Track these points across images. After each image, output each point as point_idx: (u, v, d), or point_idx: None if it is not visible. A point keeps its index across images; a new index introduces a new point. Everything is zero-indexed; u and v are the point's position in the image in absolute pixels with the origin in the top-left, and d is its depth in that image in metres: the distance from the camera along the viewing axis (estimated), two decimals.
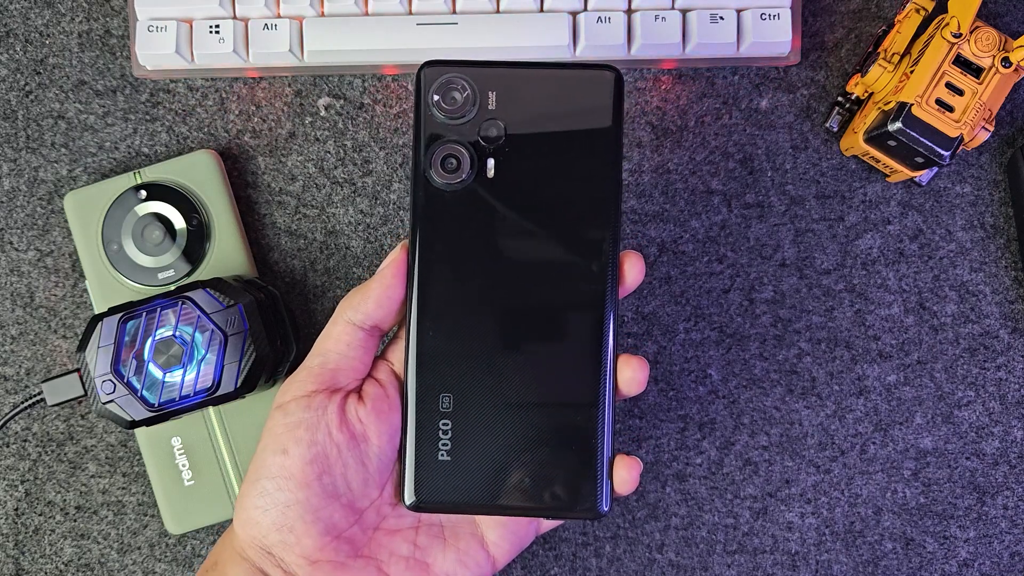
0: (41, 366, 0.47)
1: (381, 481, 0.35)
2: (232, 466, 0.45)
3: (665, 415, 0.47)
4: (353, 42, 0.45)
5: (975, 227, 0.48)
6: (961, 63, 0.43)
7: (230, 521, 0.46)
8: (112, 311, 0.41)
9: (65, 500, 0.47)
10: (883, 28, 0.46)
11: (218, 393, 0.41)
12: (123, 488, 0.47)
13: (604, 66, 0.34)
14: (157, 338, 0.41)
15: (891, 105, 0.43)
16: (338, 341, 0.35)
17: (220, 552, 0.37)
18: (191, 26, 0.46)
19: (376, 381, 0.35)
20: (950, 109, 0.42)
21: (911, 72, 0.43)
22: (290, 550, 0.34)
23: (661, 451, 0.47)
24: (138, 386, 0.41)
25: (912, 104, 0.42)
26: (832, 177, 0.48)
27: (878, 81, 0.44)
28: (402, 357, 0.36)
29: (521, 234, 0.34)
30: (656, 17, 0.45)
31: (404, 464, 0.34)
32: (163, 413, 0.41)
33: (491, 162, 0.34)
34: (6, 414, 0.45)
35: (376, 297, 0.34)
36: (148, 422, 0.41)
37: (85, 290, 0.47)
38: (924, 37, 0.44)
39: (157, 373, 0.41)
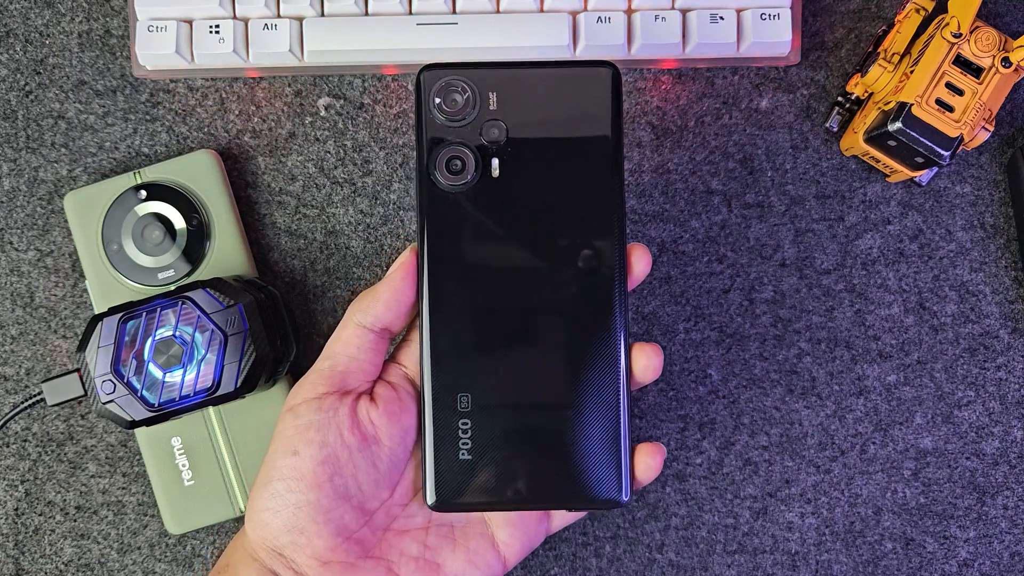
0: (41, 366, 0.47)
1: (391, 482, 0.35)
2: (232, 466, 0.45)
3: (665, 415, 0.47)
4: (353, 42, 0.45)
5: (975, 227, 0.48)
6: (961, 63, 0.43)
7: (230, 521, 0.46)
8: (112, 311, 0.41)
9: (65, 500, 0.47)
10: (883, 28, 0.46)
11: (218, 393, 0.41)
12: (123, 488, 0.47)
13: (601, 63, 0.34)
14: (157, 338, 0.41)
15: (891, 105, 0.43)
16: (348, 344, 0.35)
17: (231, 554, 0.37)
18: (191, 26, 0.46)
19: (387, 383, 0.36)
20: (950, 109, 0.42)
21: (911, 72, 0.43)
22: (301, 551, 0.34)
23: None
24: (138, 386, 0.41)
25: (912, 104, 0.42)
26: (832, 177, 0.48)
27: (878, 81, 0.44)
28: (413, 359, 0.36)
29: (529, 231, 0.34)
30: (656, 17, 0.45)
31: (425, 466, 0.35)
32: (163, 413, 0.41)
33: (495, 162, 0.34)
34: (6, 414, 0.45)
35: (385, 300, 0.35)
36: (148, 422, 0.41)
37: (85, 290, 0.47)
38: (924, 37, 0.44)
39: (157, 373, 0.41)
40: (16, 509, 0.47)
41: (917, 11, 0.45)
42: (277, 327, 0.43)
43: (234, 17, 0.46)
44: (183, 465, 0.45)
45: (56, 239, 0.47)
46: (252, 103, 0.48)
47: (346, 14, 0.46)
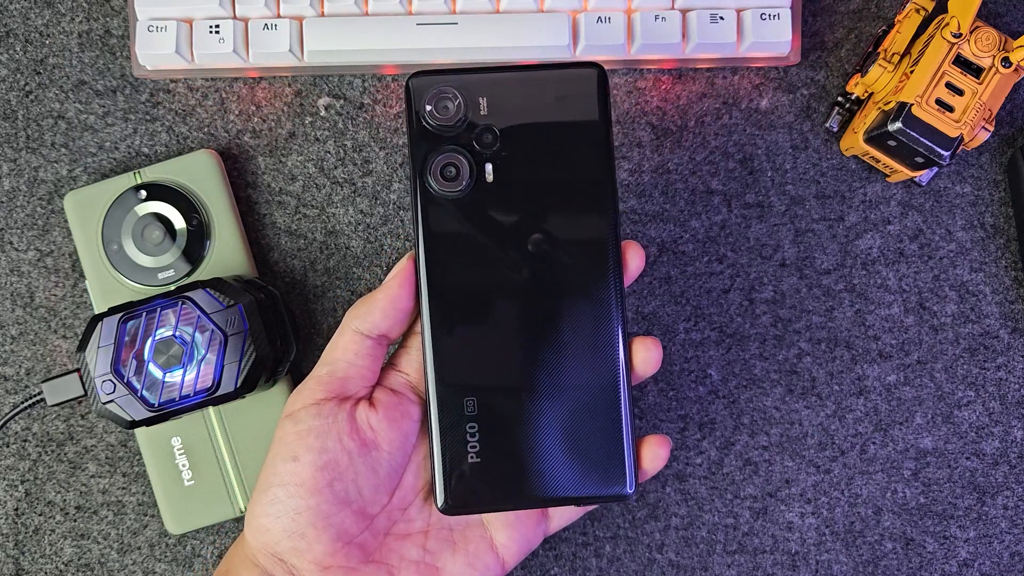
0: (41, 366, 0.47)
1: (391, 487, 0.35)
2: (232, 466, 0.45)
3: (665, 415, 0.47)
4: (353, 42, 0.45)
5: (975, 227, 0.48)
6: (961, 63, 0.43)
7: (230, 521, 0.46)
8: (112, 311, 0.41)
9: (65, 500, 0.47)
10: (883, 28, 0.46)
11: (218, 393, 0.41)
12: (123, 488, 0.47)
13: (587, 64, 0.35)
14: (157, 338, 0.41)
15: (891, 105, 0.43)
16: (346, 350, 0.35)
17: (231, 560, 0.37)
18: (191, 26, 0.46)
19: (385, 388, 0.36)
20: (950, 109, 0.42)
21: (911, 72, 0.43)
22: (302, 556, 0.34)
23: None
24: (138, 386, 0.41)
25: (912, 104, 0.42)
26: (832, 177, 0.48)
27: (878, 81, 0.44)
28: (412, 365, 0.36)
29: (525, 233, 0.35)
30: (656, 17, 0.45)
31: (435, 471, 0.35)
32: (163, 413, 0.41)
33: (489, 166, 0.35)
34: (6, 414, 0.45)
35: (382, 308, 0.35)
36: (148, 422, 0.41)
37: (85, 290, 0.47)
38: (924, 37, 0.44)
39: (157, 373, 0.41)
40: (16, 509, 0.47)
41: (917, 11, 0.45)
42: (277, 327, 0.43)
43: (234, 17, 0.46)
44: (183, 465, 0.45)
45: (56, 239, 0.47)
46: (252, 103, 0.48)
47: (346, 14, 0.46)
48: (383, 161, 0.48)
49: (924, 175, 0.47)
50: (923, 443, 0.47)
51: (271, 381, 0.44)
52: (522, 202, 0.35)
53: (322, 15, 0.46)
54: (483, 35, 0.45)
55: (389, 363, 0.37)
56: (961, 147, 0.43)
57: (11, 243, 0.47)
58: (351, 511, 0.34)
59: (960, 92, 0.42)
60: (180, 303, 0.41)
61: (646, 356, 0.35)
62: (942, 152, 0.42)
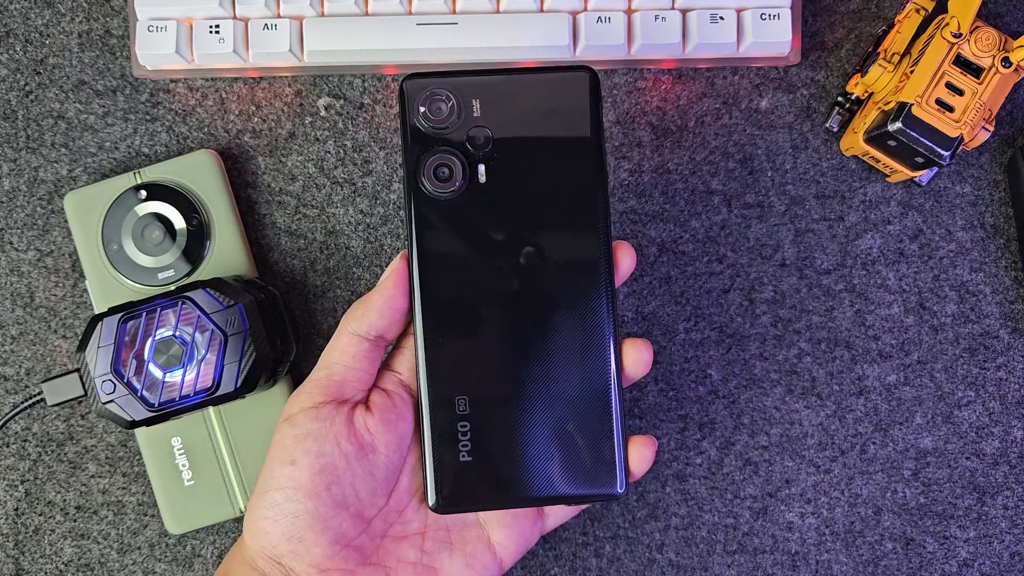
0: (41, 366, 0.47)
1: (388, 489, 0.36)
2: (232, 466, 0.45)
3: (665, 415, 0.47)
4: (353, 42, 0.45)
5: (975, 227, 0.48)
6: (961, 63, 0.43)
7: (230, 521, 0.46)
8: (112, 311, 0.41)
9: (65, 500, 0.47)
10: (883, 28, 0.46)
11: (218, 393, 0.41)
12: (123, 488, 0.47)
13: (579, 67, 0.35)
14: (157, 338, 0.41)
15: (891, 105, 0.43)
16: (343, 353, 0.35)
17: (230, 563, 0.37)
18: (191, 26, 0.46)
19: (382, 391, 0.36)
20: (950, 109, 0.42)
21: (911, 72, 0.43)
22: (300, 559, 0.34)
23: (661, 451, 0.47)
24: (138, 386, 0.41)
25: (912, 104, 0.42)
26: (832, 177, 0.48)
27: (878, 81, 0.44)
28: (407, 365, 0.36)
29: (517, 234, 0.35)
30: (656, 17, 0.45)
31: (426, 470, 0.35)
32: (163, 413, 0.41)
33: (481, 167, 0.35)
34: (6, 414, 0.45)
35: (379, 308, 0.35)
36: (148, 422, 0.41)
37: (85, 290, 0.47)
38: (924, 37, 0.44)
39: (157, 373, 0.41)
40: (16, 509, 0.47)
41: (917, 11, 0.45)
42: (277, 327, 0.43)
43: (234, 17, 0.46)
44: (183, 465, 0.45)
45: (56, 239, 0.47)
46: (252, 103, 0.48)
47: (346, 14, 0.46)
48: (383, 161, 0.48)
49: (924, 175, 0.47)
50: (923, 443, 0.47)
51: (271, 381, 0.44)
52: (514, 203, 0.35)
53: (322, 15, 0.46)
54: (483, 35, 0.45)
55: (385, 364, 0.37)
56: (961, 147, 0.43)
57: (11, 243, 0.47)
58: (349, 514, 0.34)
59: (960, 92, 0.42)
60: (180, 303, 0.41)
61: (637, 358, 0.35)
62: (942, 152, 0.42)
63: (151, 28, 0.45)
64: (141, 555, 0.47)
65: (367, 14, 0.46)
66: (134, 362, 0.41)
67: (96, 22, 0.48)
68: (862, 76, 0.45)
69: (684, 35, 0.46)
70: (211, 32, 0.45)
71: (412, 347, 0.36)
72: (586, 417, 0.35)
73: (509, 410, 0.35)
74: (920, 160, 0.43)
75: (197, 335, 0.41)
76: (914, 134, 0.42)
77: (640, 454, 0.35)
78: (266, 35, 0.45)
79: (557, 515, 0.38)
